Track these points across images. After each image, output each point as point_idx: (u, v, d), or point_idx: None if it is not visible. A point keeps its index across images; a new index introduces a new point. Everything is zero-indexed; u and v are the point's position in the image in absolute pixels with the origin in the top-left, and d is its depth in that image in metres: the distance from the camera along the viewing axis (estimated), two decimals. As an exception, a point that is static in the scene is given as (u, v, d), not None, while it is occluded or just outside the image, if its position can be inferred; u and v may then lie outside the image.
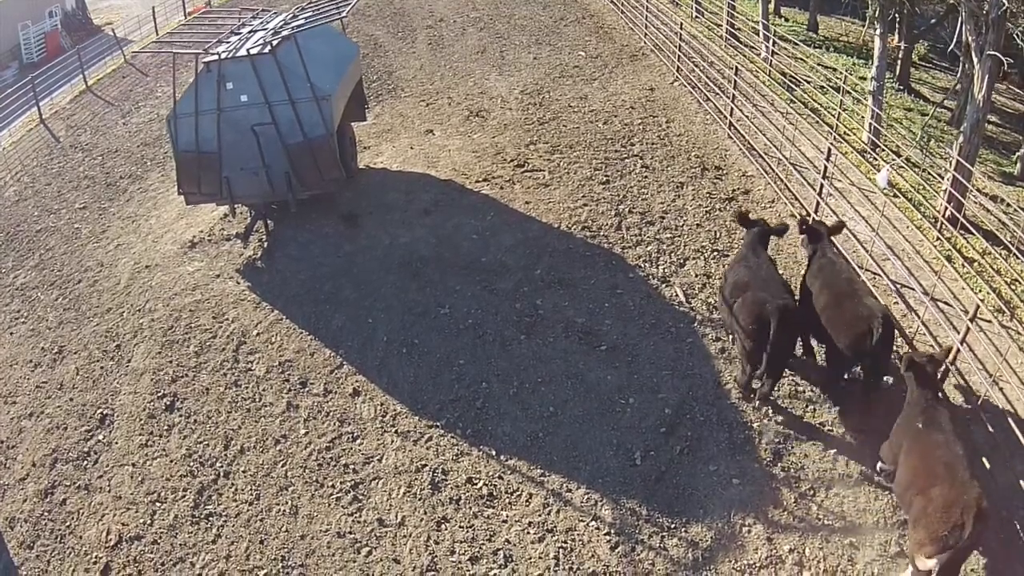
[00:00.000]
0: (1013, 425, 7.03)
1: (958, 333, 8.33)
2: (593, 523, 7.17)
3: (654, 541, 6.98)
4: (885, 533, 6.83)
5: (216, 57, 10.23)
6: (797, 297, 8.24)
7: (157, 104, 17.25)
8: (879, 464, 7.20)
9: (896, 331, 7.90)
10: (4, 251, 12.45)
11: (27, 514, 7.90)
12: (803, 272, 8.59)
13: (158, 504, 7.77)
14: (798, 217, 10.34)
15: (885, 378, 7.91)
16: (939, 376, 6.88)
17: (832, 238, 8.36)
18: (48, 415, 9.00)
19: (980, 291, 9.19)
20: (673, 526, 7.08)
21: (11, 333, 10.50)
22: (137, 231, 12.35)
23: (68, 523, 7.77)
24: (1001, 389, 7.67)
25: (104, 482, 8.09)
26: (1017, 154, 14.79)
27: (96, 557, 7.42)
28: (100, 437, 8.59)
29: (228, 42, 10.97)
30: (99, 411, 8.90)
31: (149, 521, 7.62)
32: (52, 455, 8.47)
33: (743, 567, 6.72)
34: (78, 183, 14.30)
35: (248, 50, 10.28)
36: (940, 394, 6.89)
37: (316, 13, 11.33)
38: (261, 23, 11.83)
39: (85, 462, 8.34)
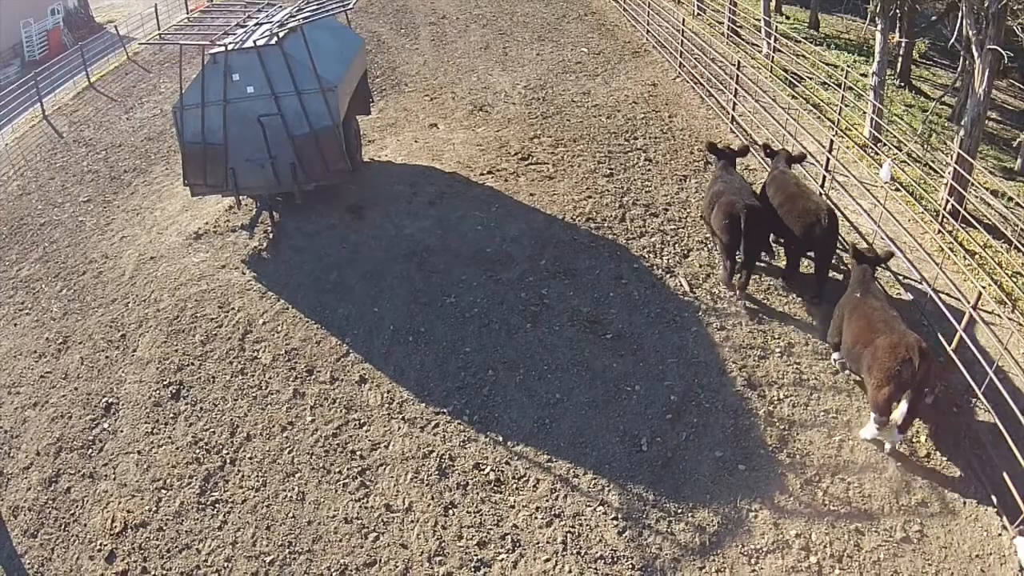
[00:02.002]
0: (1016, 412, 7.05)
1: (960, 323, 8.37)
2: (600, 508, 7.19)
3: (661, 526, 7.00)
4: (891, 519, 6.86)
5: (222, 48, 10.25)
6: None
7: (160, 100, 17.25)
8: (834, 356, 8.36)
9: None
10: (8, 244, 12.43)
11: (31, 503, 7.90)
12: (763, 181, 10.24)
13: (164, 491, 7.77)
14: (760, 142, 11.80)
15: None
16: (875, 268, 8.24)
17: (791, 164, 10.05)
18: (53, 404, 8.98)
19: (982, 282, 9.22)
20: (680, 511, 7.10)
21: (15, 324, 10.49)
22: (142, 223, 12.34)
23: (72, 511, 7.77)
24: (1002, 378, 7.70)
25: (109, 470, 8.09)
26: (1019, 139, 14.81)
27: (101, 544, 7.41)
28: (105, 425, 8.58)
29: (234, 34, 10.99)
30: (104, 400, 8.89)
31: (155, 508, 7.62)
32: (57, 444, 8.46)
33: (750, 552, 6.74)
34: (82, 177, 14.29)
35: (255, 41, 10.29)
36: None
37: (321, 6, 11.35)
38: (266, 16, 11.85)
39: (90, 450, 8.33)
